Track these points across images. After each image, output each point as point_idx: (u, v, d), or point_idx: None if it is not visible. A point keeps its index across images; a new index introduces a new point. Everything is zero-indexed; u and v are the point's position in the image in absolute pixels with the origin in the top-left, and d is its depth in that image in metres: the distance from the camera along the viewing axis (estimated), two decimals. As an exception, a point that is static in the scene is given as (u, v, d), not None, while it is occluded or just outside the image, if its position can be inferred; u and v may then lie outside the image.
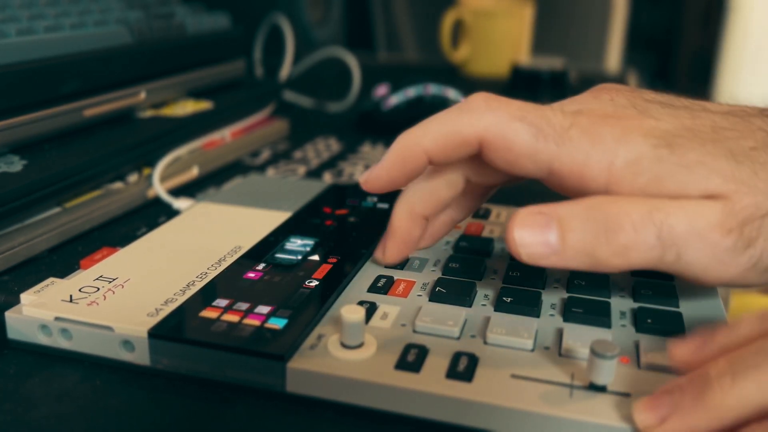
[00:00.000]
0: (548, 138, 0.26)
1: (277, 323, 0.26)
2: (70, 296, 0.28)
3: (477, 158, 0.29)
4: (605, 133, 0.26)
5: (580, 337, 0.26)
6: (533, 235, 0.25)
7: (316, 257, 0.32)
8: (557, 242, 0.25)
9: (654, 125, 0.26)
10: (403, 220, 0.31)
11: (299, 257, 0.32)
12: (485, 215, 0.39)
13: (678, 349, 0.23)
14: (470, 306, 0.29)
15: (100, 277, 0.29)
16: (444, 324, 0.27)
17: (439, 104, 0.61)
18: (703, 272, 0.25)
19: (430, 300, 0.29)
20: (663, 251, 0.24)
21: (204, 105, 0.52)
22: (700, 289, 0.30)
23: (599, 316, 0.27)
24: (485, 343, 0.26)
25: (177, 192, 0.45)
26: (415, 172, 0.29)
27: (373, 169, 0.29)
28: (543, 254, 0.25)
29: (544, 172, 0.27)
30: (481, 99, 0.28)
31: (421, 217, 0.31)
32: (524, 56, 0.99)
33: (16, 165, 0.36)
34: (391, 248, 0.31)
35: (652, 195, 0.25)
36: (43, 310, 0.27)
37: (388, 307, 0.28)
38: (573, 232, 0.24)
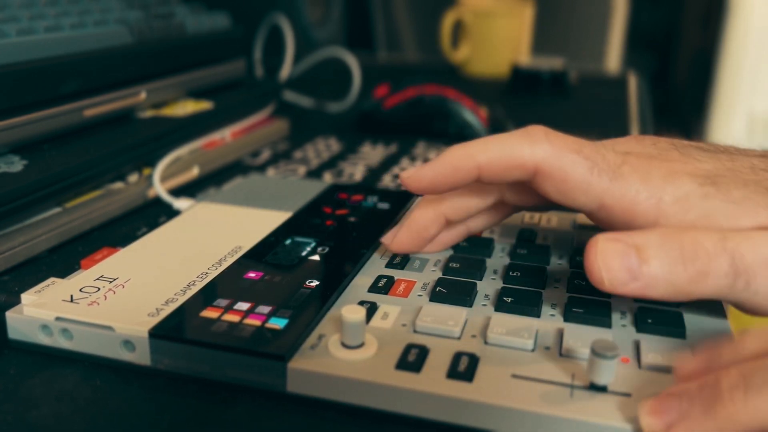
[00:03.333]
0: (602, 173, 0.27)
1: (277, 323, 0.26)
2: (71, 296, 0.28)
3: (517, 182, 0.30)
4: (654, 172, 0.27)
5: (581, 337, 0.26)
6: (616, 260, 0.25)
7: (316, 257, 0.32)
8: (638, 268, 0.25)
9: (697, 166, 0.28)
10: (425, 213, 0.31)
11: (299, 257, 0.32)
12: (485, 215, 0.39)
13: (684, 367, 0.23)
14: (471, 306, 0.29)
15: (101, 277, 0.29)
16: (444, 324, 0.27)
17: (439, 104, 0.61)
18: (766, 300, 0.25)
19: (430, 300, 0.29)
20: (735, 279, 0.25)
21: (204, 105, 0.52)
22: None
23: (600, 316, 0.27)
24: (486, 343, 0.26)
25: (177, 192, 0.45)
26: (460, 183, 0.29)
27: (420, 169, 0.30)
28: (624, 280, 0.25)
29: (594, 206, 0.28)
30: (541, 130, 0.29)
31: (443, 216, 0.31)
32: (524, 56, 0.99)
33: (16, 165, 0.36)
34: (402, 236, 0.32)
35: None
36: (44, 310, 0.27)
37: (389, 307, 0.28)
38: (652, 259, 0.25)
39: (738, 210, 0.26)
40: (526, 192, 0.31)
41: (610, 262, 0.25)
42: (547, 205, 0.31)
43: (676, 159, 0.28)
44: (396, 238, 0.32)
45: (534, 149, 0.28)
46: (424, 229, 0.31)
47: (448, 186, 0.30)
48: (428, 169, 0.30)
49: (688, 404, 0.21)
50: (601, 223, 0.29)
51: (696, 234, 0.25)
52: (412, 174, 0.30)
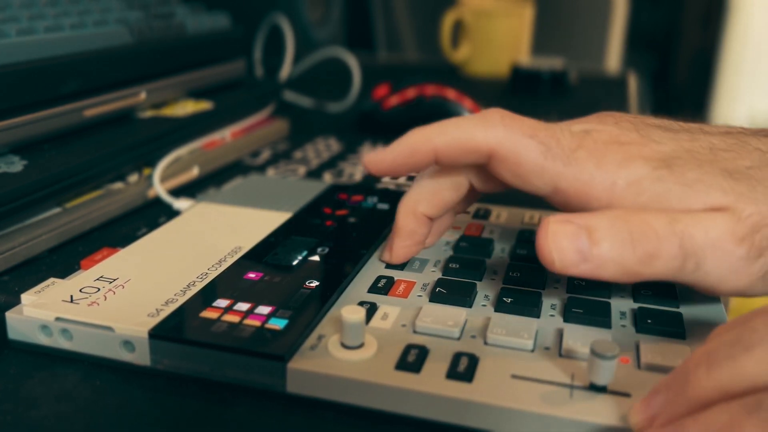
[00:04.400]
0: (556, 157, 0.27)
1: (277, 324, 0.26)
2: (71, 296, 0.28)
3: (482, 168, 0.30)
4: (608, 156, 0.27)
5: (581, 338, 0.26)
6: (567, 241, 0.25)
7: (316, 257, 0.32)
8: (588, 250, 0.25)
9: (655, 149, 0.28)
10: (408, 220, 0.31)
11: (299, 257, 0.32)
12: (485, 215, 0.39)
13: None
14: (470, 306, 0.29)
15: (101, 277, 0.29)
16: (444, 324, 0.27)
17: (439, 105, 0.61)
18: (718, 282, 0.26)
19: (430, 300, 0.29)
20: (684, 261, 0.25)
21: (204, 105, 0.52)
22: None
23: (599, 317, 0.27)
24: (485, 343, 0.26)
25: (177, 192, 0.45)
26: (417, 166, 0.30)
27: (380, 152, 0.30)
28: (574, 261, 0.25)
29: (549, 190, 0.28)
30: (497, 113, 0.29)
31: (424, 216, 0.31)
32: (524, 56, 0.99)
33: (16, 165, 0.36)
34: (397, 247, 0.32)
35: None
36: (44, 310, 0.27)
37: (389, 308, 0.28)
38: (602, 240, 0.25)
39: (690, 192, 0.26)
40: (492, 178, 0.31)
41: (561, 243, 0.25)
42: (509, 189, 0.31)
43: (634, 141, 0.28)
44: (393, 252, 0.32)
45: (488, 133, 0.28)
46: (414, 234, 0.32)
47: (407, 169, 0.30)
48: (388, 152, 0.30)
49: (665, 393, 0.21)
50: (558, 206, 0.29)
51: (646, 216, 0.25)
52: (372, 158, 0.30)
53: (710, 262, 0.25)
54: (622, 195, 0.27)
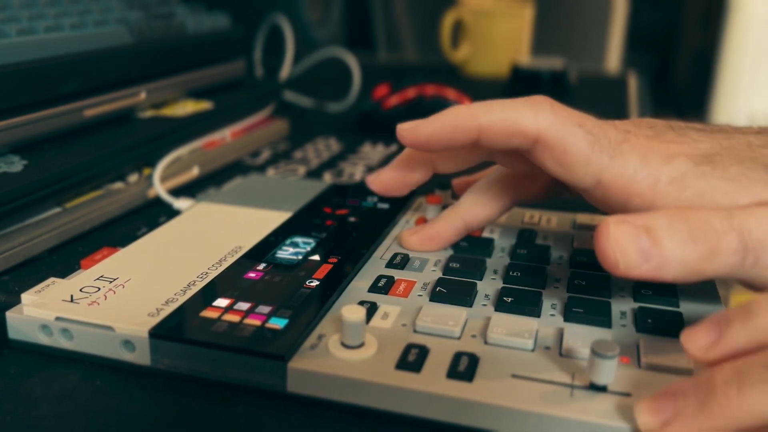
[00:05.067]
0: (603, 149, 0.27)
1: (277, 323, 0.26)
2: (71, 296, 0.28)
3: (528, 180, 0.31)
4: (653, 152, 0.27)
5: (581, 337, 0.26)
6: (628, 242, 0.24)
7: (316, 257, 0.32)
8: (650, 249, 0.24)
9: (694, 146, 0.28)
10: (414, 153, 0.33)
11: (299, 257, 0.32)
12: (485, 215, 0.39)
13: (692, 342, 0.22)
14: (471, 306, 0.29)
15: (101, 277, 0.29)
16: (445, 324, 0.27)
17: (440, 105, 0.61)
18: None
19: (430, 300, 0.29)
20: (744, 256, 0.24)
21: (204, 105, 0.52)
22: (701, 288, 0.30)
23: (600, 316, 0.27)
24: (486, 343, 0.26)
25: (177, 192, 0.45)
26: (457, 143, 0.29)
27: (419, 123, 0.30)
28: (638, 262, 0.24)
29: (591, 182, 0.28)
30: (546, 100, 0.28)
31: (432, 165, 0.33)
32: (524, 56, 0.99)
33: (16, 165, 0.36)
34: (385, 174, 0.33)
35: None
36: (44, 310, 0.27)
37: (389, 307, 0.28)
38: (663, 239, 0.24)
39: (736, 187, 0.26)
40: (517, 160, 0.31)
41: (624, 245, 0.24)
42: (556, 191, 0.32)
43: (674, 140, 0.28)
44: (379, 176, 0.32)
45: (538, 117, 0.27)
46: (409, 172, 0.32)
47: (444, 144, 0.29)
48: (428, 124, 0.29)
49: (682, 401, 0.21)
50: (595, 201, 0.29)
51: (702, 213, 0.25)
52: (410, 127, 0.30)
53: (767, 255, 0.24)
54: (665, 192, 0.26)
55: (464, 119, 0.28)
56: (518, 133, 0.28)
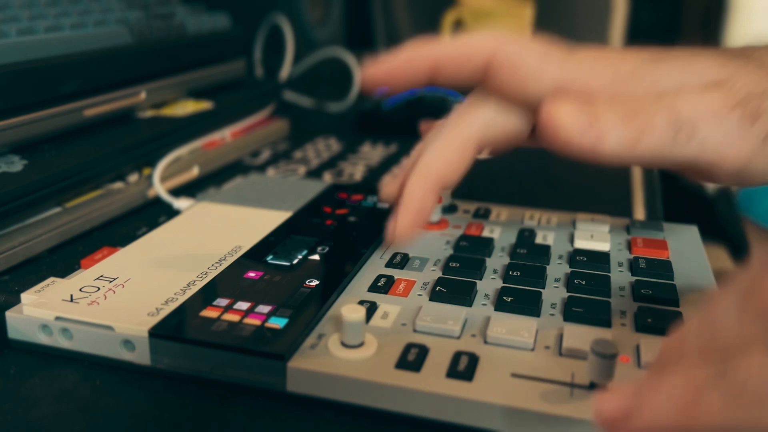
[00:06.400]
0: (553, 59, 0.28)
1: (277, 323, 0.26)
2: (71, 296, 0.28)
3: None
4: (606, 54, 0.28)
5: (581, 337, 0.26)
6: (571, 114, 0.26)
7: (316, 257, 0.32)
8: (590, 123, 0.26)
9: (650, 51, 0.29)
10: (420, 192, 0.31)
11: (299, 257, 0.32)
12: (485, 215, 0.39)
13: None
14: (471, 305, 0.29)
15: (101, 276, 0.29)
16: (444, 323, 0.27)
17: (440, 104, 0.61)
18: (718, 153, 0.26)
19: (430, 299, 0.29)
20: (676, 132, 0.26)
21: (204, 105, 0.52)
22: (701, 288, 0.30)
23: (599, 315, 0.27)
24: (486, 342, 0.26)
25: (177, 192, 0.45)
26: (414, 75, 0.30)
27: (376, 62, 0.30)
28: (577, 134, 0.26)
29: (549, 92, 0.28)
30: (488, 30, 0.31)
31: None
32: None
33: (16, 165, 0.36)
34: (403, 220, 0.30)
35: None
36: (44, 309, 0.27)
37: (389, 307, 0.28)
38: (602, 114, 0.26)
39: (687, 69, 0.27)
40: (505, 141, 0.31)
41: (565, 117, 0.26)
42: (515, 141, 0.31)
43: (628, 50, 0.29)
44: (399, 222, 0.30)
45: (486, 40, 0.29)
46: (424, 210, 0.30)
47: (402, 78, 0.30)
48: (384, 61, 0.30)
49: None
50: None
51: (638, 96, 0.27)
52: (368, 68, 0.30)
53: (704, 129, 0.26)
54: (622, 84, 0.27)
55: (418, 50, 0.29)
56: (471, 57, 0.29)
